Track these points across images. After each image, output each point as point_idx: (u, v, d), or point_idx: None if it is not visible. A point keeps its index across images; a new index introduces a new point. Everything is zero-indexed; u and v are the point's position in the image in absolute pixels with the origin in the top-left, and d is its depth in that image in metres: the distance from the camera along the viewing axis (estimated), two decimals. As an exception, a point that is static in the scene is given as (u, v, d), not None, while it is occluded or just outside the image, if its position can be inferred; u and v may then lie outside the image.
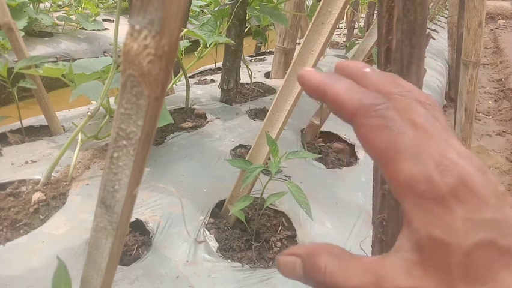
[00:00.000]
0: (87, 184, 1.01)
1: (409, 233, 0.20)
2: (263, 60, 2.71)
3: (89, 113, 0.99)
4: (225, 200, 0.94)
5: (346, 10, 2.83)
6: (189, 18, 2.18)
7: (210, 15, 1.45)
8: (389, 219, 0.47)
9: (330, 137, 1.47)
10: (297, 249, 0.22)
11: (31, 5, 2.68)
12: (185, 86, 1.50)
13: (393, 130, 0.19)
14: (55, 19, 2.85)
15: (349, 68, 0.24)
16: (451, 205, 0.18)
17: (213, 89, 1.82)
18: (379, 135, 0.20)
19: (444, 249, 0.18)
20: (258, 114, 1.59)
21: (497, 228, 0.18)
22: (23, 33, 1.97)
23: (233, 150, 1.25)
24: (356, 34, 3.38)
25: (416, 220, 0.19)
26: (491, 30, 7.42)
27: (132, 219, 0.89)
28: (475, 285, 0.18)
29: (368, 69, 0.23)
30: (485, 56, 5.31)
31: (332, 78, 0.22)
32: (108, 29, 3.30)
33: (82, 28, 3.03)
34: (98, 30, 3.14)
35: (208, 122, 1.43)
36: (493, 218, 0.18)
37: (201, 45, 1.44)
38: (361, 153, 1.35)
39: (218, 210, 0.97)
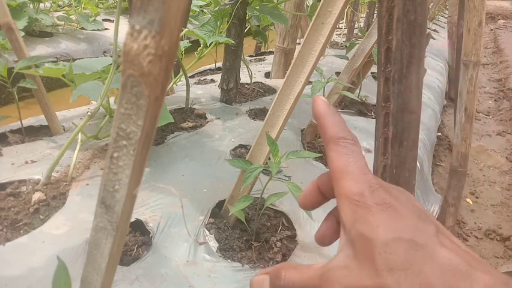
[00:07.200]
0: (87, 184, 1.01)
1: (344, 233, 0.25)
2: (263, 60, 2.71)
3: (89, 113, 0.99)
4: (225, 200, 0.94)
5: (346, 10, 2.83)
6: (189, 18, 2.18)
7: (210, 15, 1.45)
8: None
9: (330, 137, 1.47)
10: (266, 270, 0.30)
11: (31, 5, 2.68)
12: (185, 86, 1.50)
13: (349, 159, 0.27)
14: (55, 19, 2.84)
15: None
16: (375, 211, 0.24)
17: (213, 89, 1.82)
18: (339, 158, 0.27)
19: (368, 243, 0.23)
20: (258, 114, 1.59)
21: (416, 231, 0.23)
22: (23, 33, 1.97)
23: (233, 150, 1.25)
24: (356, 34, 3.38)
25: (347, 222, 0.25)
26: (491, 30, 7.42)
27: (132, 219, 0.89)
28: (395, 272, 0.21)
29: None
30: (485, 56, 5.31)
31: (331, 110, 0.30)
32: (108, 29, 3.30)
33: (82, 28, 3.03)
34: (98, 30, 3.14)
35: (208, 122, 1.43)
36: (413, 225, 0.23)
37: (201, 45, 1.44)
38: (361, 153, 1.35)
39: (218, 210, 0.97)
